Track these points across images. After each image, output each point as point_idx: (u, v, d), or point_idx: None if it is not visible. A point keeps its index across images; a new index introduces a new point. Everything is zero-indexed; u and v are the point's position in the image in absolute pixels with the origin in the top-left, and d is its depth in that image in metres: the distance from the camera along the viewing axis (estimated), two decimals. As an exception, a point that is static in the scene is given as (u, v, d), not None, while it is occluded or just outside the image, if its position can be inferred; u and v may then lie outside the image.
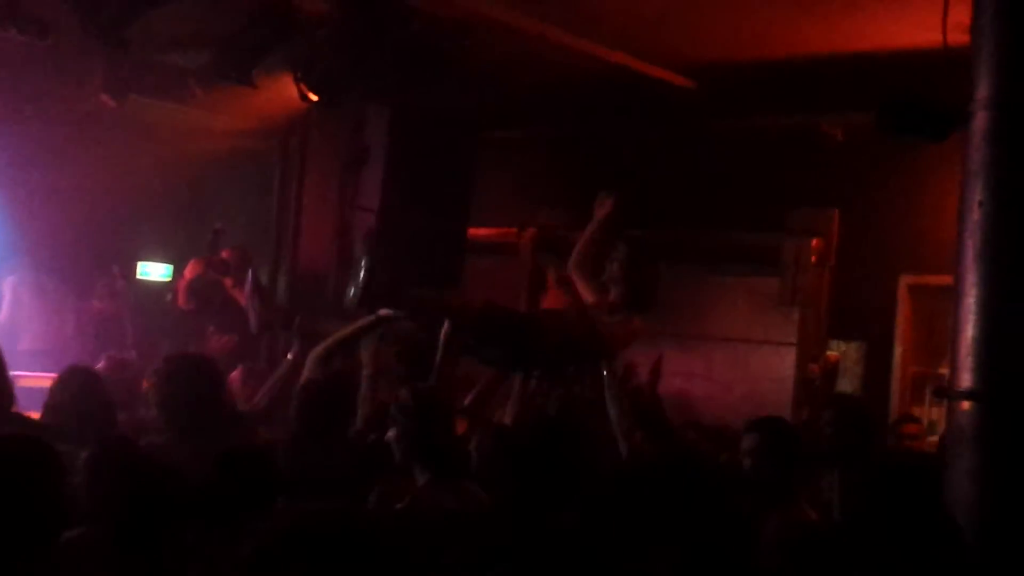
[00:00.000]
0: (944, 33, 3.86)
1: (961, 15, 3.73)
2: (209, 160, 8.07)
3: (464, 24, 6.43)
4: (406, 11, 6.17)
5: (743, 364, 7.97)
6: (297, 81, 6.39)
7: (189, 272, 7.39)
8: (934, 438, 5.78)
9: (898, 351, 7.55)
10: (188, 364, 4.05)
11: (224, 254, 7.40)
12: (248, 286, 5.61)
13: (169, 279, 8.52)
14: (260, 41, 6.11)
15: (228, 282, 7.12)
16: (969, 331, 3.42)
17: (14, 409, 4.00)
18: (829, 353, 7.44)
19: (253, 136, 7.74)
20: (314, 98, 6.42)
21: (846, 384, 7.50)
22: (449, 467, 3.67)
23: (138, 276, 8.80)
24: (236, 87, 6.37)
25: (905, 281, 7.44)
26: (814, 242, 7.45)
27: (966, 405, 3.42)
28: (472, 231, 7.12)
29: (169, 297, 7.79)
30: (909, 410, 7.07)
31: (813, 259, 7.48)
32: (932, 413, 7.07)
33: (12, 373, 4.08)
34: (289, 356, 5.01)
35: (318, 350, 4.88)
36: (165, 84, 6.89)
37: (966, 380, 3.42)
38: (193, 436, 3.77)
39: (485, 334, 4.90)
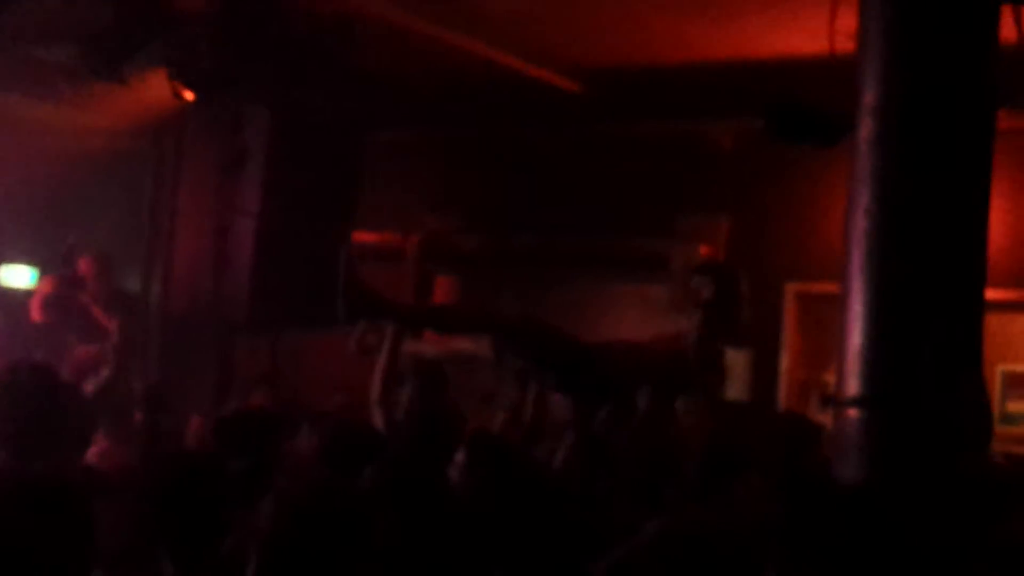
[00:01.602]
0: (831, 40, 3.84)
1: (848, 22, 3.71)
2: (78, 160, 7.79)
3: (349, 23, 6.30)
4: (287, 8, 6.02)
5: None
6: (171, 79, 6.19)
7: (43, 287, 7.11)
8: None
9: (785, 358, 7.61)
10: (26, 376, 3.67)
11: (82, 264, 7.18)
12: None
13: (34, 285, 8.18)
14: (131, 36, 5.91)
15: (86, 295, 6.92)
16: (855, 338, 3.41)
17: None
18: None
19: (125, 136, 7.50)
20: (189, 97, 6.24)
21: (734, 391, 7.53)
22: None
23: (-1, 282, 8.45)
24: (107, 84, 6.14)
25: (792, 289, 7.50)
26: (703, 249, 7.48)
27: (852, 412, 3.41)
28: (356, 236, 6.96)
29: (32, 303, 7.52)
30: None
31: (702, 266, 7.49)
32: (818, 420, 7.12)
33: None
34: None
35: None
36: (31, 80, 6.62)
37: (852, 387, 3.42)
38: (28, 457, 3.43)
39: (535, 355, 4.80)
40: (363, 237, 7.27)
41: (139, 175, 7.61)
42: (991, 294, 3.55)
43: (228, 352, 7.16)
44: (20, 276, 8.22)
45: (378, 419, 4.71)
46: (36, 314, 6.97)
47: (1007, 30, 3.50)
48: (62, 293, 6.89)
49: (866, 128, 3.49)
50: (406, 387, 5.06)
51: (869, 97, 3.49)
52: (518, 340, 4.91)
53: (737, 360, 7.63)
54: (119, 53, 6.00)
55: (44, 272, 7.90)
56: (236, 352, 7.19)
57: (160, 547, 3.02)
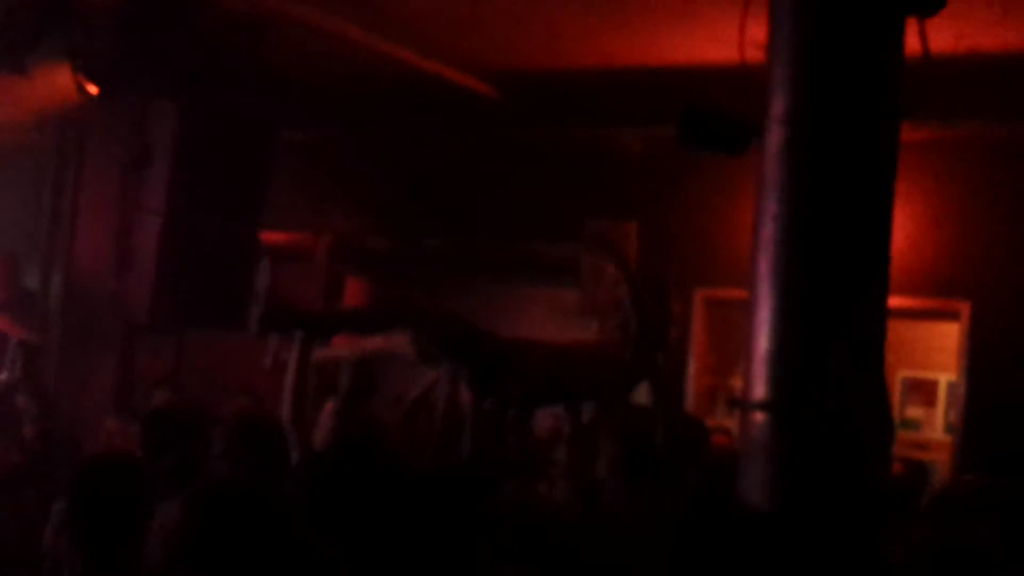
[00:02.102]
0: (741, 49, 3.88)
1: (758, 32, 3.75)
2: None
3: (260, 20, 6.21)
4: (195, 2, 5.91)
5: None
6: (75, 71, 6.04)
7: None
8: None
9: (693, 363, 7.68)
10: None
11: None
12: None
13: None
14: (34, 27, 5.75)
15: None
16: (762, 343, 3.45)
17: None
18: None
19: (27, 129, 7.31)
20: (93, 91, 6.09)
21: (642, 394, 7.57)
22: None
23: None
24: (8, 76, 5.97)
25: (700, 294, 7.57)
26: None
27: (759, 416, 3.44)
28: (265, 236, 6.86)
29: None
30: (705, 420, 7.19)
31: (611, 271, 7.53)
32: (727, 424, 7.20)
33: None
34: None
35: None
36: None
37: (759, 391, 3.46)
38: None
39: (453, 349, 4.72)
40: (273, 237, 7.17)
41: (41, 170, 7.42)
42: (893, 301, 3.61)
43: (130, 353, 7.01)
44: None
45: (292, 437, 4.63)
46: None
47: (911, 43, 3.57)
48: None
49: (774, 136, 3.54)
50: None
51: (777, 106, 3.54)
52: (439, 336, 4.85)
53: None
54: (21, 44, 5.84)
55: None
56: (138, 353, 7.04)
57: (73, 545, 2.97)
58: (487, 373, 4.85)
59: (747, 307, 3.55)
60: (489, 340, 5.08)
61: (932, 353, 8.45)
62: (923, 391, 8.82)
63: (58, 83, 6.22)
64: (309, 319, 5.11)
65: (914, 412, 8.85)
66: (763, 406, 3.42)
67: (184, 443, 4.08)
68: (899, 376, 8.72)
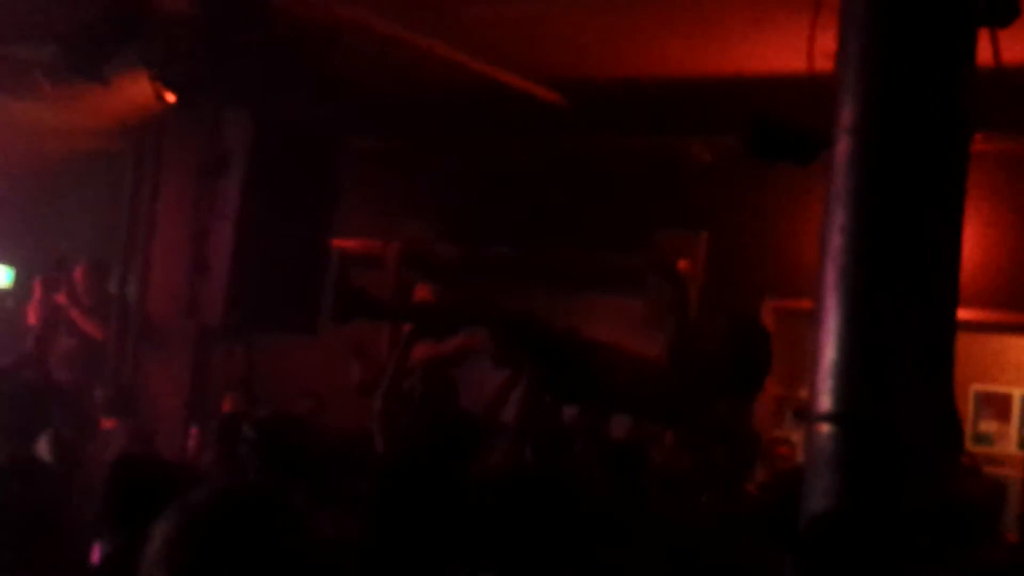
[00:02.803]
0: (810, 59, 3.87)
1: (827, 42, 3.74)
2: (58, 159, 7.76)
3: (330, 29, 6.29)
4: (269, 13, 6.00)
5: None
6: (153, 80, 6.16)
7: (36, 291, 7.18)
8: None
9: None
10: None
11: (77, 271, 7.24)
12: None
13: (10, 284, 8.15)
14: (113, 36, 5.87)
15: (62, 297, 6.97)
16: (828, 354, 3.43)
17: None
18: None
19: (106, 136, 7.47)
20: (171, 99, 6.21)
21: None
22: None
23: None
24: (88, 84, 6.10)
25: (769, 305, 7.52)
26: (681, 264, 7.49)
27: (824, 427, 3.42)
28: (336, 242, 6.95)
29: (9, 303, 7.50)
30: (772, 432, 7.15)
31: (680, 281, 7.50)
32: (792, 435, 7.15)
33: None
34: None
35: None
36: (12, 79, 6.58)
37: (825, 403, 3.43)
38: None
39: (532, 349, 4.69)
40: (342, 243, 7.26)
41: (119, 176, 7.57)
42: (964, 314, 3.57)
43: (204, 356, 7.14)
44: (-2, 275, 8.20)
45: (378, 424, 4.67)
46: (31, 317, 7.05)
47: (984, 53, 3.53)
48: (48, 298, 6.96)
49: (843, 147, 3.52)
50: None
51: (846, 116, 3.52)
52: (518, 335, 4.81)
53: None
54: (101, 53, 5.97)
55: (21, 271, 7.92)
56: (212, 356, 7.17)
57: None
58: (567, 376, 4.80)
59: (814, 318, 3.54)
60: (570, 342, 5.02)
61: (1006, 367, 8.32)
62: (997, 405, 8.68)
63: (136, 92, 6.35)
64: (384, 310, 5.13)
65: (987, 427, 8.71)
66: (828, 418, 3.40)
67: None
68: (972, 390, 8.59)
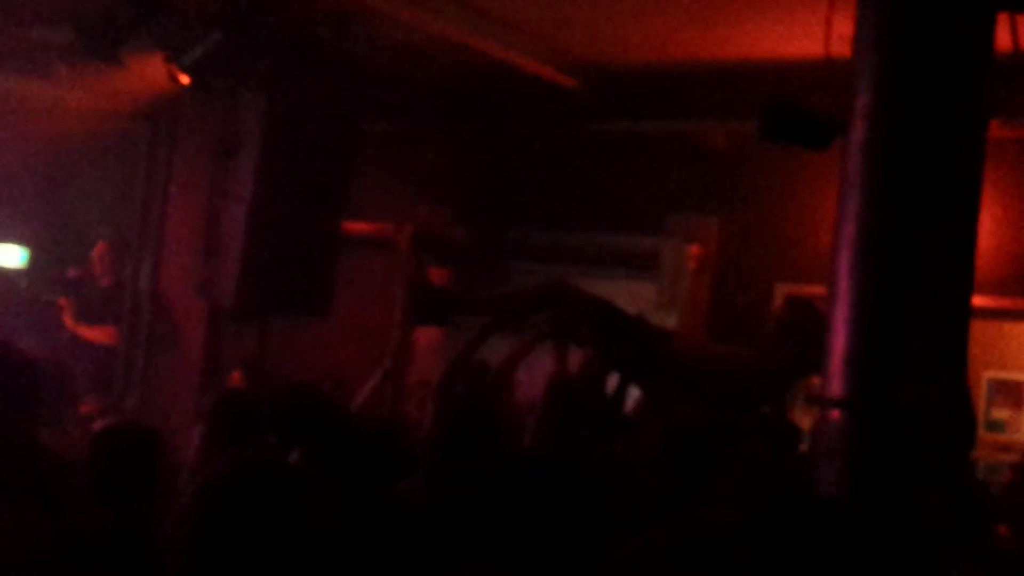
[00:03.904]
0: (827, 44, 3.85)
1: (844, 27, 3.72)
2: (73, 141, 7.76)
3: (345, 12, 6.28)
4: (284, -5, 6.01)
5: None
6: (168, 62, 6.16)
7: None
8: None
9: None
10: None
11: (96, 250, 7.30)
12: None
13: (24, 264, 8.18)
14: (128, 18, 5.87)
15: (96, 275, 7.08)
16: (841, 340, 3.43)
17: None
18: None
19: (120, 118, 7.46)
20: (185, 81, 6.21)
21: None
22: None
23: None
24: (103, 66, 6.11)
25: (781, 290, 7.50)
26: (693, 248, 7.48)
27: (836, 413, 3.42)
28: (349, 225, 6.96)
29: (24, 284, 7.54)
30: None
31: (692, 265, 7.50)
32: (802, 421, 7.13)
33: None
34: None
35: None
36: (28, 59, 6.58)
37: (836, 388, 3.43)
38: None
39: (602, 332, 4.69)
40: (356, 227, 7.26)
41: (134, 158, 7.58)
42: (978, 301, 3.56)
43: (216, 337, 7.15)
44: (11, 256, 8.21)
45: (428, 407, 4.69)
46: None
47: (1002, 39, 3.51)
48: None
49: (858, 132, 3.51)
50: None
51: (862, 101, 3.51)
52: (598, 319, 4.82)
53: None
54: (116, 35, 5.97)
55: (36, 251, 8.00)
56: (224, 338, 7.18)
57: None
58: (641, 358, 4.81)
59: (827, 303, 3.53)
60: (644, 326, 5.05)
61: (1020, 354, 8.28)
62: (1010, 392, 8.64)
63: (151, 74, 6.35)
64: (462, 304, 5.15)
65: (1000, 414, 8.67)
66: (839, 403, 3.40)
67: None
68: (985, 377, 8.55)
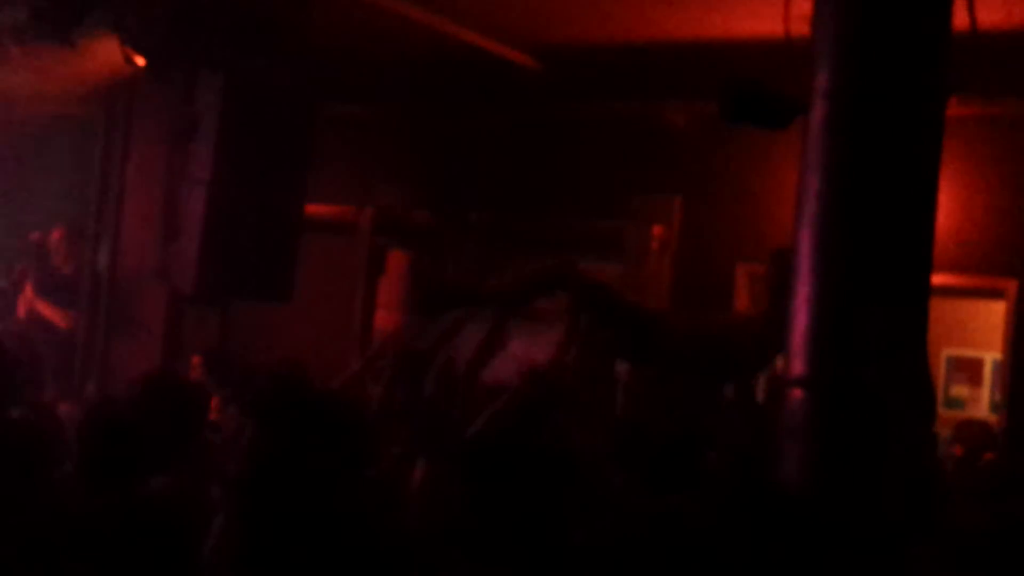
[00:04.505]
0: (786, 23, 3.85)
1: (803, 5, 3.72)
2: (27, 125, 7.68)
3: (303, -8, 6.23)
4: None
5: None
6: (123, 44, 6.09)
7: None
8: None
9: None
10: None
11: (53, 234, 7.24)
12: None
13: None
14: (82, 0, 5.79)
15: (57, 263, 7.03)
16: (802, 319, 3.44)
17: None
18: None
19: (75, 101, 7.38)
20: (141, 63, 6.13)
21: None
22: None
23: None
24: (56, 48, 6.02)
25: (743, 269, 7.53)
26: (656, 229, 7.49)
27: (798, 393, 3.43)
28: (309, 208, 6.91)
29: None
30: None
31: (655, 246, 7.52)
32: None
33: None
34: None
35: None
36: (-22, 42, 6.47)
37: (798, 367, 3.44)
38: None
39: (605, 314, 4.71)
40: (316, 209, 7.22)
41: (89, 141, 7.50)
42: (938, 279, 3.58)
43: (176, 322, 7.10)
44: (-36, 239, 8.14)
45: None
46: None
47: (960, 17, 3.52)
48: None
49: (818, 111, 3.51)
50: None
51: (822, 80, 3.51)
52: (593, 301, 4.85)
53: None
54: (69, 16, 5.89)
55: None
56: (184, 322, 7.13)
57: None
58: (639, 339, 4.85)
59: (789, 282, 3.54)
60: (635, 307, 5.10)
61: (978, 332, 8.37)
62: (969, 370, 8.74)
63: (106, 56, 6.27)
64: (470, 296, 5.15)
65: (959, 391, 8.77)
66: (801, 383, 3.41)
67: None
68: (944, 355, 8.64)
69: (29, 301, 7.16)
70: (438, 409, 4.39)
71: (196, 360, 6.33)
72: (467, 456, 3.10)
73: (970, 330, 8.42)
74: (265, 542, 2.39)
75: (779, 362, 4.12)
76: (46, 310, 7.13)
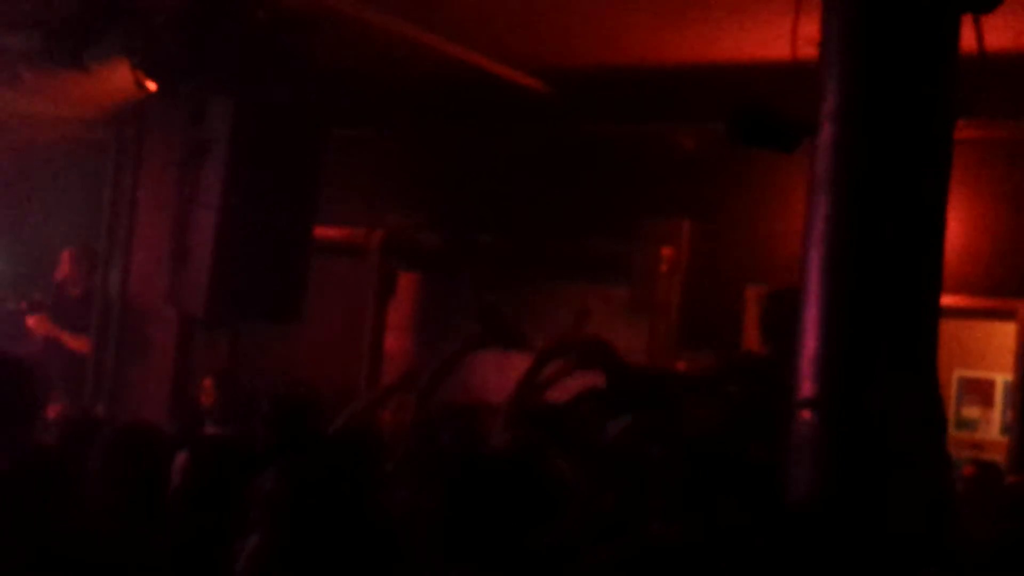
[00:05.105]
0: (794, 46, 3.86)
1: (811, 29, 3.74)
2: (39, 148, 7.73)
3: (313, 16, 6.26)
4: (251, 0, 5.98)
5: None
6: (133, 68, 6.12)
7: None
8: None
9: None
10: None
11: (65, 255, 7.29)
12: None
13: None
14: (93, 24, 5.84)
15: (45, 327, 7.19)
16: (811, 341, 3.43)
17: None
18: (679, 363, 7.48)
19: (86, 125, 7.43)
20: (152, 87, 6.17)
21: (693, 393, 7.54)
22: None
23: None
24: (68, 72, 6.06)
25: (752, 292, 7.53)
26: (665, 251, 7.50)
27: (807, 414, 3.43)
28: (319, 231, 6.93)
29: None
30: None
31: (663, 268, 7.52)
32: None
33: None
34: None
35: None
36: (-9, 67, 6.53)
37: (807, 389, 3.44)
38: None
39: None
40: (326, 232, 7.24)
41: (100, 165, 7.54)
42: (948, 300, 3.58)
43: (186, 345, 7.11)
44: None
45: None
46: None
47: (967, 39, 3.53)
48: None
49: (826, 134, 3.51)
50: None
51: (830, 103, 3.52)
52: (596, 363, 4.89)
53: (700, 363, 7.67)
54: (81, 41, 5.93)
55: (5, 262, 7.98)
56: (195, 345, 7.15)
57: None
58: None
59: (798, 304, 3.53)
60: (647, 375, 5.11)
61: (990, 353, 8.34)
62: (980, 391, 8.71)
63: (116, 79, 6.31)
64: (520, 340, 5.24)
65: (970, 412, 8.74)
66: (810, 404, 3.40)
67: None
68: (955, 376, 8.61)
69: (47, 329, 7.21)
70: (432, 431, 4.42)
71: (207, 382, 6.34)
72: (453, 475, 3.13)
73: (981, 351, 8.39)
74: (297, 559, 2.47)
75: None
76: (66, 339, 7.21)
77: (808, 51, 3.72)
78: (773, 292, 5.00)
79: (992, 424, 8.63)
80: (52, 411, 6.05)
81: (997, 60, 3.61)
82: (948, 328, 3.54)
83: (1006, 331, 7.25)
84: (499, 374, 6.50)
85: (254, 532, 2.71)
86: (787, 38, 3.82)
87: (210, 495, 3.49)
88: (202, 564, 3.26)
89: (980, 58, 3.54)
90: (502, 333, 5.18)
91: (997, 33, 3.62)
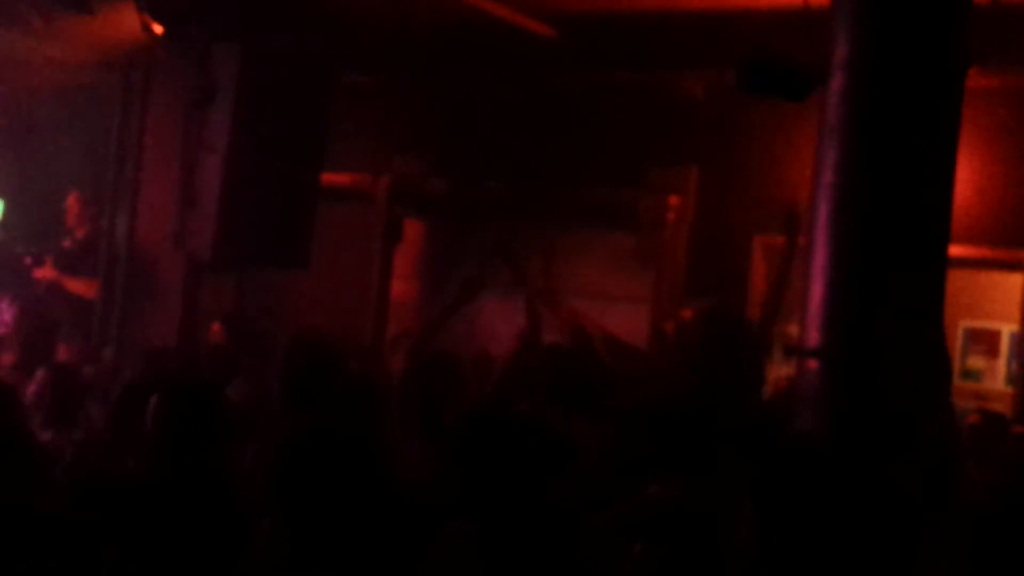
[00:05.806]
0: (806, -7, 3.84)
1: (823, -25, 3.70)
2: (45, 93, 7.69)
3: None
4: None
5: (599, 319, 7.98)
6: (140, 11, 6.09)
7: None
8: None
9: (751, 310, 7.64)
10: None
11: (70, 200, 7.29)
12: None
13: (0, 216, 8.15)
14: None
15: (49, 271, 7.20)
16: (818, 291, 3.44)
17: None
18: (684, 311, 7.48)
19: (94, 69, 7.39)
20: (158, 30, 6.14)
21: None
22: None
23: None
24: (74, 16, 6.03)
25: (760, 241, 7.52)
26: (672, 200, 7.48)
27: (813, 363, 3.44)
28: (325, 176, 6.92)
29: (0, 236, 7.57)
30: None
31: (671, 217, 7.51)
32: (781, 371, 7.17)
33: None
34: None
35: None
36: (-1, 11, 6.49)
37: (814, 338, 3.45)
38: None
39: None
40: (332, 178, 7.23)
41: (107, 109, 7.51)
42: (955, 250, 3.58)
43: (193, 290, 7.13)
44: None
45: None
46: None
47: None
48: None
49: (837, 82, 3.49)
50: None
51: (841, 51, 3.49)
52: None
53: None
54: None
55: (10, 202, 7.97)
56: (201, 289, 7.16)
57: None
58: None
59: (805, 253, 3.54)
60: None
61: (996, 303, 8.34)
62: (986, 342, 8.71)
63: (123, 23, 6.27)
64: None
65: (976, 363, 8.75)
66: (817, 353, 3.41)
67: None
68: (961, 326, 8.62)
69: (53, 276, 7.22)
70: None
71: (216, 326, 6.37)
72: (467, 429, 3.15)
73: (987, 302, 8.39)
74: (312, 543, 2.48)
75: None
76: (73, 285, 7.21)
77: (819, -1, 3.69)
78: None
79: (997, 375, 8.64)
80: (62, 353, 6.08)
81: (1009, 9, 3.58)
82: (955, 278, 3.54)
83: (1012, 282, 7.25)
84: (505, 321, 6.53)
85: (265, 516, 2.65)
86: (799, -16, 3.79)
87: (182, 438, 3.53)
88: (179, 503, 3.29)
89: (992, 6, 3.51)
90: (515, 268, 5.22)
91: (1011, -19, 3.59)
